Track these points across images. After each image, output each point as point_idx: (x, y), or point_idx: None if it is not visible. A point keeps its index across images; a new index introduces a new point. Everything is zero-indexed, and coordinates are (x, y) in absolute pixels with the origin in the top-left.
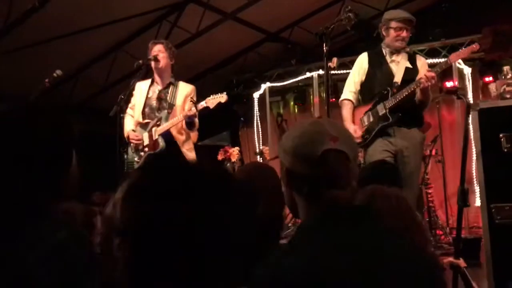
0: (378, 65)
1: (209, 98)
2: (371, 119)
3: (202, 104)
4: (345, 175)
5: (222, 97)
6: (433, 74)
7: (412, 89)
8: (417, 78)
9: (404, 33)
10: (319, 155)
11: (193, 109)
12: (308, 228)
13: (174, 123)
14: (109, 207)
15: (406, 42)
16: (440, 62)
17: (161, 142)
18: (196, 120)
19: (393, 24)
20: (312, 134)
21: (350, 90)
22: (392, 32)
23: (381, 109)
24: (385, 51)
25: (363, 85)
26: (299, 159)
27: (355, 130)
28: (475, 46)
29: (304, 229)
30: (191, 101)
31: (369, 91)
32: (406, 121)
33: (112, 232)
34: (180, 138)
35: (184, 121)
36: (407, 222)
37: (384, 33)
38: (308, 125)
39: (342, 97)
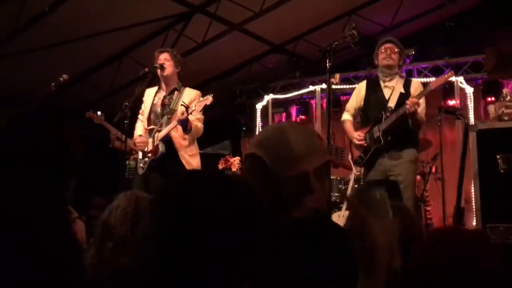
0: (373, 91)
1: (196, 101)
2: (368, 141)
3: (191, 107)
4: (255, 176)
5: (207, 99)
6: (415, 100)
7: (400, 114)
8: (404, 105)
9: (388, 51)
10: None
11: (184, 113)
12: None
13: (170, 128)
14: (105, 213)
15: (393, 60)
16: (422, 90)
17: (161, 148)
18: (196, 124)
19: (380, 48)
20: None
21: (348, 112)
22: (381, 55)
23: (376, 132)
24: (380, 76)
25: (362, 110)
26: None
27: (358, 134)
28: (450, 74)
29: None
30: (181, 104)
31: (366, 115)
32: (397, 143)
33: (106, 236)
34: (182, 143)
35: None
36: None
37: (376, 60)
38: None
39: (342, 118)
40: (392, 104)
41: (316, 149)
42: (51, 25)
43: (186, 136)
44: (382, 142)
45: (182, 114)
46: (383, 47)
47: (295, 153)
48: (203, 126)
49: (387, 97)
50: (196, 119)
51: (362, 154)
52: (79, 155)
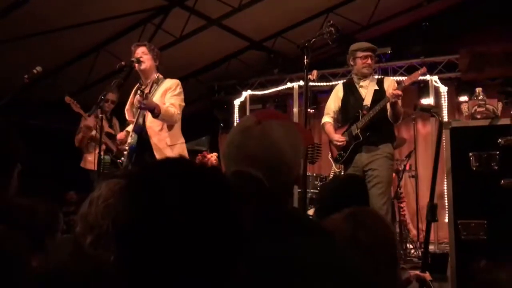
0: (350, 92)
1: (172, 89)
2: (347, 139)
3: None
4: (250, 199)
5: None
6: (399, 92)
7: (377, 110)
8: (387, 96)
9: (369, 60)
10: (230, 174)
11: (139, 98)
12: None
13: (136, 116)
14: (84, 205)
15: (372, 68)
16: (398, 86)
17: (132, 139)
18: (167, 109)
19: (359, 53)
20: (235, 147)
21: (328, 115)
22: (359, 61)
23: (354, 130)
24: (355, 78)
25: (341, 110)
26: (225, 169)
27: (339, 137)
28: (423, 70)
29: None
30: (140, 90)
31: (345, 115)
32: (374, 139)
33: (86, 230)
34: (157, 132)
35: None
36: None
37: (352, 63)
38: (238, 132)
39: (322, 121)
40: (367, 102)
41: (300, 152)
42: (25, 16)
43: (163, 126)
44: (361, 138)
45: (138, 101)
46: (363, 54)
47: (288, 163)
48: (179, 112)
49: (363, 96)
50: (171, 104)
51: (342, 152)
52: (16, 146)
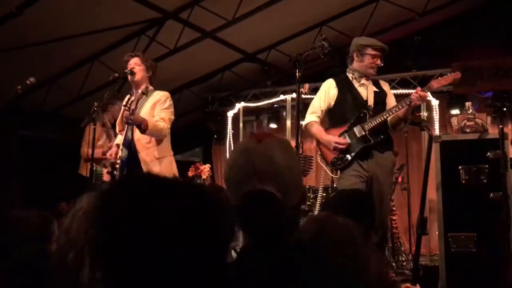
0: (347, 90)
1: (161, 102)
2: (349, 141)
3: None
4: (268, 217)
5: None
6: (426, 94)
7: (395, 111)
8: (409, 98)
9: (378, 61)
10: (241, 195)
11: (126, 114)
12: (241, 256)
13: (125, 130)
14: (67, 218)
15: (376, 70)
16: (424, 88)
17: (122, 153)
18: (156, 123)
19: (370, 51)
20: (240, 167)
21: (314, 114)
22: (368, 59)
23: (359, 131)
24: (353, 75)
25: (333, 110)
26: (230, 192)
27: (339, 139)
28: (456, 75)
29: (239, 255)
30: (124, 105)
31: (341, 115)
32: (383, 145)
33: (68, 245)
34: (145, 146)
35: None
36: (358, 248)
37: (356, 58)
38: (240, 153)
39: (306, 120)
40: (370, 102)
41: (300, 168)
42: (19, 27)
43: (151, 139)
44: (372, 141)
45: (125, 116)
46: (374, 53)
47: (295, 179)
48: (168, 127)
49: (364, 97)
50: (160, 119)
51: (341, 155)
52: (16, 157)
